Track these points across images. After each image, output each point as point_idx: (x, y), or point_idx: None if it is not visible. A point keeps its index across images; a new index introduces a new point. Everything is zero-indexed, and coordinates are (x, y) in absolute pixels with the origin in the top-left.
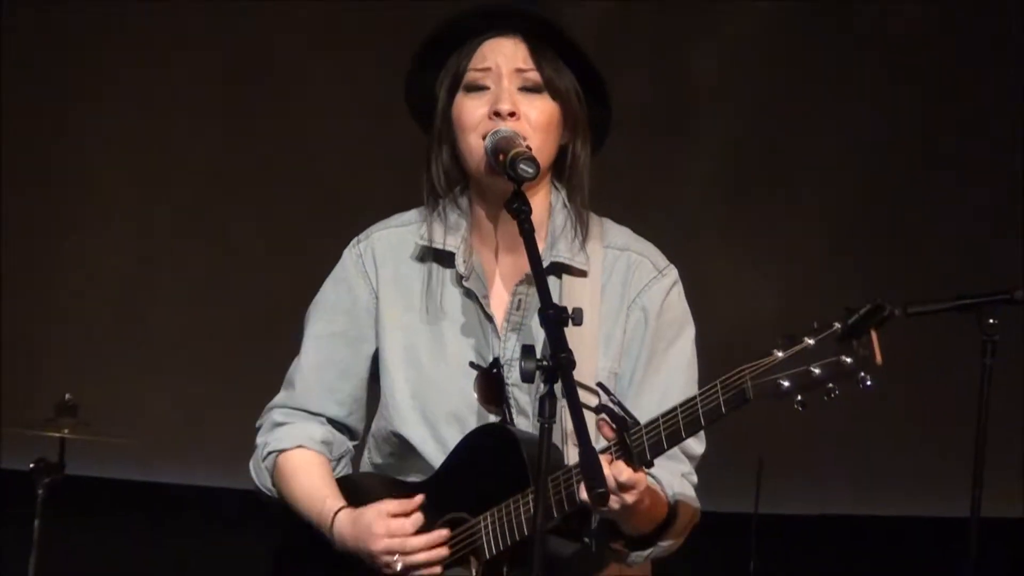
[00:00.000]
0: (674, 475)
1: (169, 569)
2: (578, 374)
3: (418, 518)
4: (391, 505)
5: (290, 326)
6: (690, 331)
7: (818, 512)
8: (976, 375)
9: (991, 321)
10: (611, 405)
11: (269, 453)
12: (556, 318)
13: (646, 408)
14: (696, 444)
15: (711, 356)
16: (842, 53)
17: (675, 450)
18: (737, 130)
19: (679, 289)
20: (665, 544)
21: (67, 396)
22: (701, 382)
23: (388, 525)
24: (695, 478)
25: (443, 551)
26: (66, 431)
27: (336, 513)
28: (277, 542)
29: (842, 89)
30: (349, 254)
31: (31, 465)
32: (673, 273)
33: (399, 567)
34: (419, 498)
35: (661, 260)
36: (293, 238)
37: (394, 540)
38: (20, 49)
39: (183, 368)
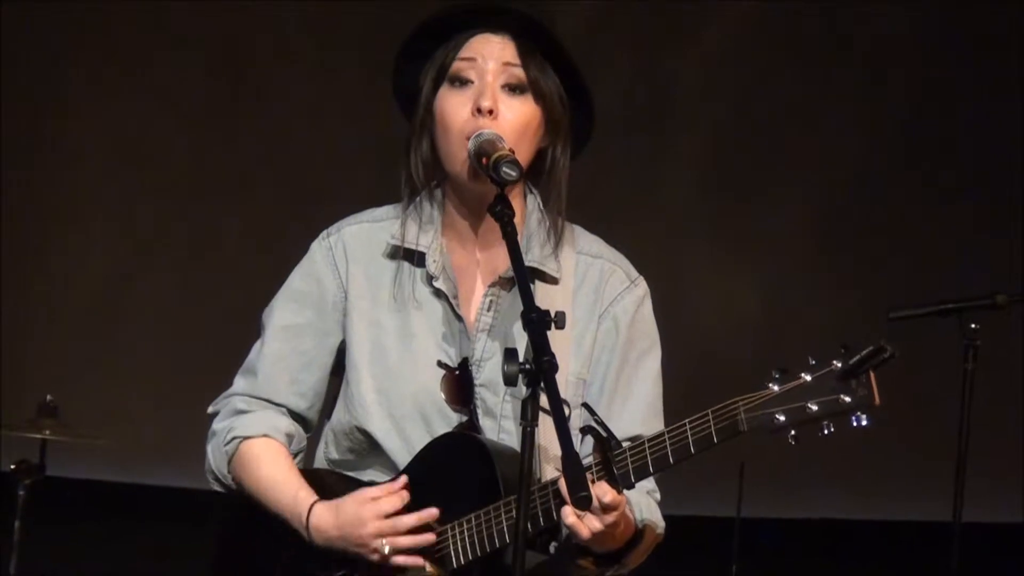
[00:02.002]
0: (640, 493)
1: (149, 571)
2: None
3: (405, 496)
4: (371, 490)
5: (258, 331)
6: (658, 350)
7: (801, 516)
8: (958, 379)
9: (973, 326)
10: (595, 426)
11: (233, 439)
12: (540, 322)
13: (617, 417)
14: None
15: (694, 356)
16: (827, 52)
17: None
18: (721, 130)
19: (649, 302)
20: (629, 561)
21: (48, 397)
22: (684, 382)
23: (375, 508)
24: (659, 495)
25: (430, 536)
26: (47, 432)
27: (311, 507)
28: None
29: (827, 89)
30: (319, 246)
31: (12, 466)
32: (643, 285)
33: (386, 550)
34: (403, 479)
35: (632, 271)
36: (276, 239)
37: (384, 523)
38: (3, 49)
39: (164, 370)
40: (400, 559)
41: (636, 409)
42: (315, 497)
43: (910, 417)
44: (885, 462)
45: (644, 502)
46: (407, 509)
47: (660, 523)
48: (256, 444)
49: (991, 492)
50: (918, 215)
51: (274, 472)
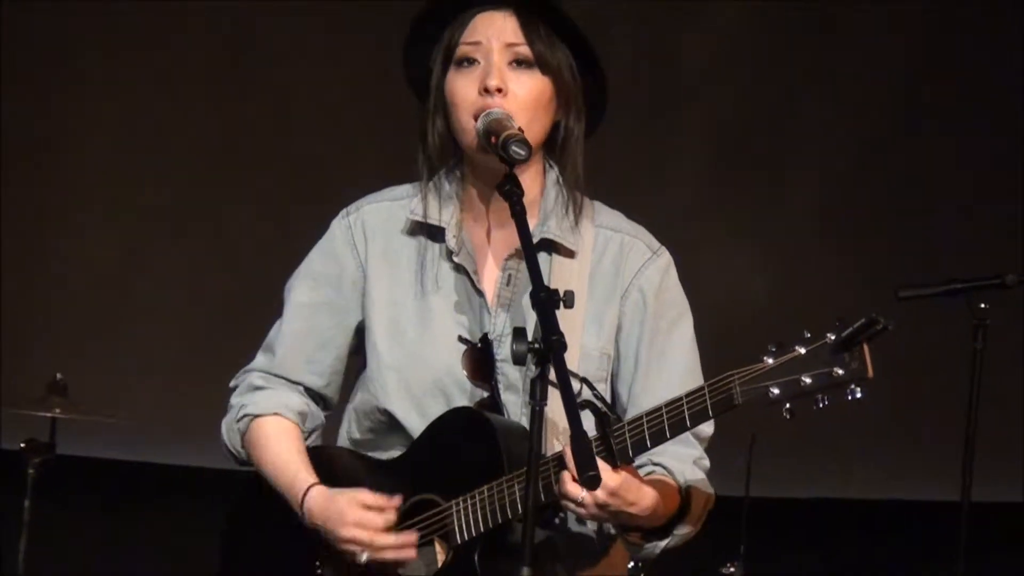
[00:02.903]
0: (685, 462)
1: (159, 549)
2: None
3: (391, 518)
4: (367, 496)
5: (279, 307)
6: (689, 316)
7: (809, 495)
8: (967, 358)
9: (982, 305)
10: (594, 400)
11: (244, 416)
12: (548, 301)
13: (655, 389)
14: (707, 426)
15: (702, 339)
16: (834, 37)
17: (687, 434)
18: (727, 114)
19: (674, 271)
20: (681, 533)
21: (58, 376)
22: None
23: (360, 516)
24: (707, 462)
25: (411, 552)
26: (57, 411)
27: (308, 488)
28: (232, 507)
29: (833, 72)
30: (338, 225)
31: (22, 445)
32: (666, 254)
33: (363, 559)
34: (396, 500)
35: (654, 242)
36: (283, 220)
37: (362, 532)
38: (10, 31)
39: (174, 348)
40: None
41: (673, 376)
42: (313, 479)
43: (918, 396)
44: (893, 441)
45: (689, 470)
46: (408, 489)
47: (708, 489)
48: (267, 423)
49: (1000, 471)
50: (926, 192)
51: (278, 450)
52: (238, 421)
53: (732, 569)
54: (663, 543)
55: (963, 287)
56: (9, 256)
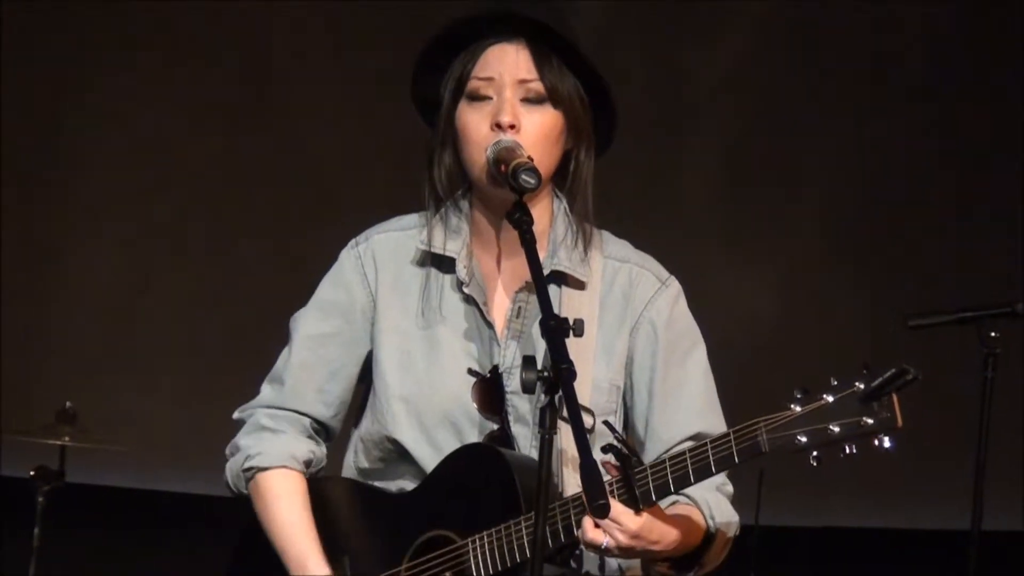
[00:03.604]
0: (708, 490)
1: None
2: (575, 385)
3: None
4: None
5: (285, 339)
6: (702, 344)
7: (819, 524)
8: (977, 387)
9: (992, 334)
10: (616, 444)
11: (251, 467)
12: (558, 329)
13: (674, 421)
14: None
15: (711, 358)
16: (841, 57)
17: None
18: (736, 132)
19: (683, 299)
20: (706, 562)
21: (67, 404)
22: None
23: None
24: (730, 488)
25: None
26: (66, 438)
27: None
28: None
29: (841, 92)
30: (348, 255)
31: (31, 472)
32: (675, 284)
33: None
34: None
35: (663, 272)
36: (293, 241)
37: None
38: (16, 52)
39: (182, 375)
40: None
41: (690, 406)
42: (324, 571)
43: (929, 424)
44: (903, 469)
45: (713, 499)
46: (421, 525)
47: (733, 519)
48: (272, 478)
49: (1012, 500)
50: (934, 215)
51: (287, 519)
52: (244, 471)
53: None
54: (691, 574)
55: (974, 316)
56: (16, 283)
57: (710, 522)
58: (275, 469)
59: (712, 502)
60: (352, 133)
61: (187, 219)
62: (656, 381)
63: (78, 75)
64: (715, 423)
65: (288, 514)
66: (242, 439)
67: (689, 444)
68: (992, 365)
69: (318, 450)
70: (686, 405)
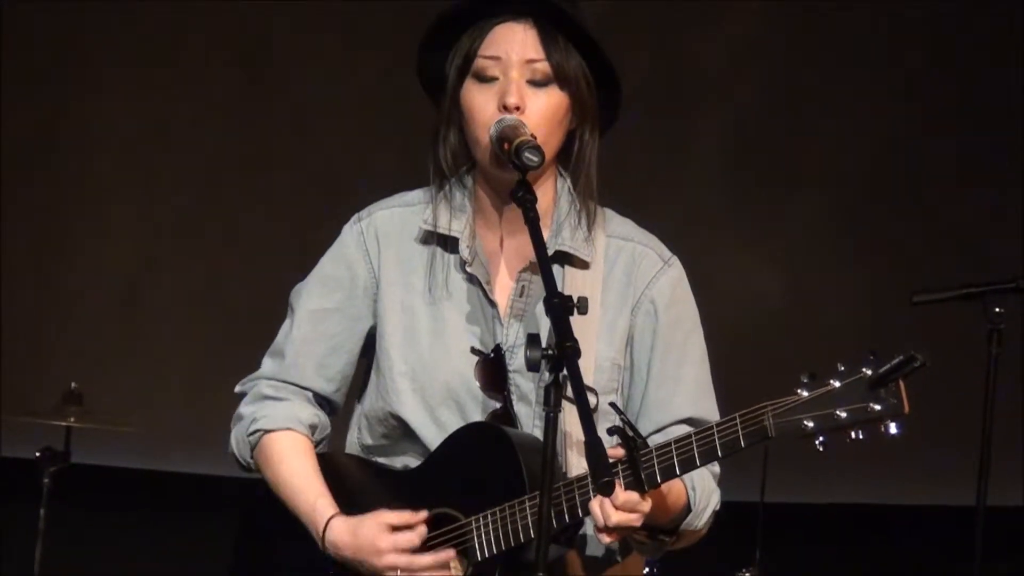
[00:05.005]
0: None
1: (174, 557)
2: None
3: (423, 531)
4: (391, 516)
5: (285, 311)
6: (700, 327)
7: (824, 501)
8: (982, 363)
9: (997, 310)
10: (623, 426)
11: (256, 430)
12: (562, 307)
13: (671, 402)
14: None
15: (717, 340)
16: (847, 40)
17: None
18: (741, 115)
19: (686, 280)
20: (688, 530)
21: (72, 385)
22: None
23: (393, 541)
24: (717, 467)
25: (447, 570)
26: (72, 420)
27: (329, 520)
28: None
29: (850, 72)
30: (350, 231)
31: (37, 454)
32: (678, 264)
33: None
34: (423, 514)
35: (665, 251)
36: (300, 225)
37: (400, 558)
38: (19, 44)
39: (188, 356)
40: None
41: (687, 391)
42: (334, 510)
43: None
44: (908, 445)
45: (697, 474)
46: (424, 503)
47: (715, 494)
48: (279, 439)
49: (1017, 476)
50: (942, 197)
51: (295, 472)
52: (249, 435)
53: (747, 575)
54: (669, 540)
55: (978, 291)
56: (23, 265)
57: (691, 493)
58: (281, 431)
59: (696, 476)
60: (357, 118)
61: (195, 203)
62: (655, 361)
63: (88, 63)
64: (708, 409)
65: (296, 468)
66: (245, 408)
67: (687, 428)
68: (997, 340)
69: (323, 416)
70: (682, 389)
